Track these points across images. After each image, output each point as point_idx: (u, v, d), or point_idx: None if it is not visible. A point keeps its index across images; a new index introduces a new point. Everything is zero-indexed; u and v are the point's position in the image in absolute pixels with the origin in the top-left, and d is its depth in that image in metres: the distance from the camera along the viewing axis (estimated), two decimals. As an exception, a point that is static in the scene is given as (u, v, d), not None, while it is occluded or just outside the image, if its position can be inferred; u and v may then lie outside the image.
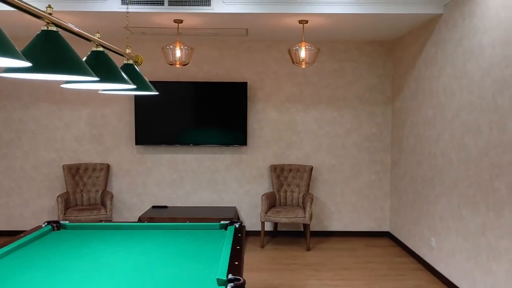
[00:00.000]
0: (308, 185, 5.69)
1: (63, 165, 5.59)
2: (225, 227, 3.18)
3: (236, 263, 2.31)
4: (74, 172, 5.64)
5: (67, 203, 5.41)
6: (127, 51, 2.63)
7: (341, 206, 5.94)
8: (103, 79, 2.09)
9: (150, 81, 5.61)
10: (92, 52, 2.14)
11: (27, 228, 5.77)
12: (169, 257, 2.50)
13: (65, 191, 5.64)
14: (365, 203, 5.94)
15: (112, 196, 5.43)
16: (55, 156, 5.78)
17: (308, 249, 5.32)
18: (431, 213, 4.52)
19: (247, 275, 4.43)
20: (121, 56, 2.68)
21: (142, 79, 2.61)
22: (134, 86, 2.20)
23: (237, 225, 3.13)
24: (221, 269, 2.20)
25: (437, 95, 4.41)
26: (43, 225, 3.12)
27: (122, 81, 2.07)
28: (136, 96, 5.62)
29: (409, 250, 5.16)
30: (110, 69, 2.12)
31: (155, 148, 5.80)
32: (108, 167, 5.73)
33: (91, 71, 1.78)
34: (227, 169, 5.86)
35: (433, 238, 4.46)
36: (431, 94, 4.55)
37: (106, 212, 5.32)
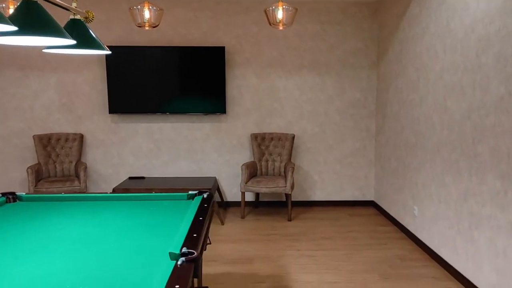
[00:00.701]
0: (290, 154, 5.51)
1: (34, 135, 5.33)
2: (192, 197, 2.99)
3: (195, 235, 2.12)
4: (46, 142, 5.39)
5: (39, 174, 5.19)
6: (73, 5, 2.36)
7: (324, 175, 5.78)
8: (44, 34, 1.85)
9: (123, 46, 5.31)
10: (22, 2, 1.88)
11: None
12: (125, 229, 2.31)
13: (37, 162, 5.41)
14: (349, 172, 5.78)
15: (85, 167, 5.21)
16: (24, 126, 5.51)
17: (290, 219, 5.18)
18: (414, 180, 4.37)
19: (224, 247, 4.29)
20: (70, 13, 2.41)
21: (91, 37, 2.36)
22: (74, 42, 1.95)
23: (205, 195, 2.94)
24: (176, 242, 2.02)
25: (420, 56, 4.19)
26: (-6, 197, 2.91)
27: (57, 34, 1.82)
28: (107, 62, 5.32)
29: (393, 219, 5.04)
30: (45, 22, 1.86)
31: (130, 117, 5.56)
32: (81, 137, 5.49)
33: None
34: (206, 138, 5.64)
35: (416, 207, 4.33)
36: (414, 56, 4.32)
37: (80, 183, 5.12)
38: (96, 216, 2.56)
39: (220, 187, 5.73)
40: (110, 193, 3.06)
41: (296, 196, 5.80)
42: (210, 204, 2.73)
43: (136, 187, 4.96)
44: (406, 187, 4.60)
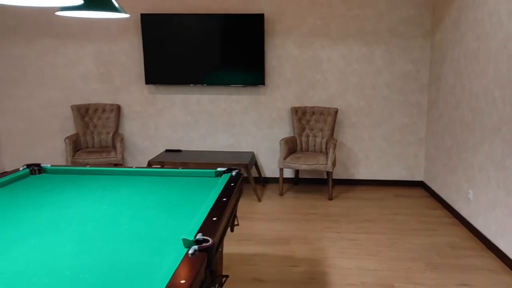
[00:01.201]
0: (333, 129, 5.17)
1: (72, 105, 5.30)
2: (220, 174, 2.78)
3: (214, 219, 1.91)
4: (84, 113, 5.35)
5: (76, 145, 5.17)
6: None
7: (369, 152, 5.42)
8: None
9: (158, 14, 5.10)
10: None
11: (41, 170, 5.62)
12: (143, 209, 2.13)
13: (75, 132, 5.39)
14: (397, 149, 5.38)
15: (122, 139, 5.13)
16: (62, 96, 5.48)
17: (330, 198, 4.90)
18: (470, 162, 3.94)
19: (259, 225, 4.09)
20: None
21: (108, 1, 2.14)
22: (81, 2, 1.73)
23: (233, 173, 2.71)
24: (193, 226, 1.81)
25: (482, 23, 3.69)
26: (21, 168, 2.82)
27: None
28: (143, 31, 5.14)
29: (444, 203, 4.64)
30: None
31: (166, 88, 5.39)
32: (118, 108, 5.40)
33: None
34: (244, 111, 5.40)
35: (471, 190, 3.92)
36: (475, 23, 3.83)
37: (116, 155, 5.05)
38: (116, 192, 2.40)
39: (258, 163, 5.51)
40: (137, 167, 2.90)
41: (338, 174, 5.49)
42: (237, 184, 2.50)
43: (171, 160, 4.83)
44: (460, 168, 4.18)
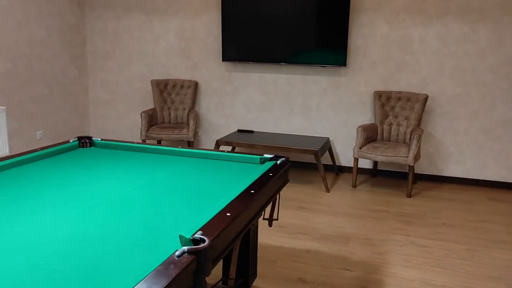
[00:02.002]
0: (420, 118, 4.60)
1: (152, 80, 5.38)
2: (265, 162, 2.53)
3: (228, 214, 1.68)
4: (162, 88, 5.41)
5: (152, 119, 5.25)
6: None
7: (463, 147, 4.75)
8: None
9: (239, -12, 4.91)
10: None
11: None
12: (166, 194, 1.97)
13: (153, 107, 5.49)
14: (497, 146, 4.65)
15: (195, 116, 5.10)
16: (146, 70, 5.59)
17: (409, 196, 4.40)
18: None
19: (320, 218, 3.78)
20: None
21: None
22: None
23: (278, 162, 2.45)
24: (198, 221, 1.60)
25: None
26: (71, 141, 2.85)
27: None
28: (223, 6, 4.99)
29: (548, 213, 3.91)
30: None
31: (243, 65, 5.22)
32: (196, 84, 5.37)
33: None
34: (322, 93, 5.04)
35: None
36: None
37: (188, 132, 5.04)
38: (150, 173, 2.28)
39: (333, 150, 5.14)
40: (201, 149, 2.76)
41: (424, 169, 4.92)
42: (277, 174, 2.24)
43: (239, 141, 4.68)
44: None
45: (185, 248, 1.39)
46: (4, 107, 4.52)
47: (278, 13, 4.84)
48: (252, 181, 2.08)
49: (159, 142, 5.55)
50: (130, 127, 5.82)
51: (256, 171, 2.28)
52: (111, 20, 5.58)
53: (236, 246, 1.94)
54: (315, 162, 5.20)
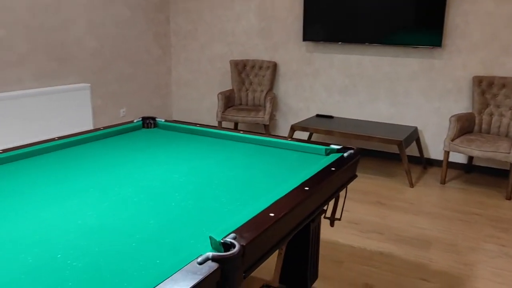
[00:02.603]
0: (529, 109, 3.96)
1: (230, 60, 5.26)
2: (330, 153, 2.25)
3: (272, 215, 1.45)
4: (241, 68, 5.27)
5: (229, 101, 5.15)
6: None
7: None
8: None
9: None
10: None
11: (203, 122, 5.85)
12: (212, 184, 1.80)
13: (230, 88, 5.37)
14: None
15: (272, 98, 4.89)
16: (227, 50, 5.48)
17: (509, 198, 3.82)
18: None
19: (400, 217, 3.40)
20: None
21: None
22: None
23: (345, 154, 2.16)
24: (235, 221, 1.40)
25: None
26: (135, 121, 2.79)
27: None
28: (307, -18, 4.68)
29: None
30: None
31: (325, 46, 4.88)
32: (275, 65, 5.15)
33: None
34: (412, 77, 4.55)
35: None
36: None
37: (264, 115, 4.86)
38: (203, 159, 2.12)
39: (422, 141, 4.64)
40: (263, 135, 2.56)
41: (530, 168, 4.25)
42: (341, 168, 1.96)
43: (317, 126, 4.39)
44: None
45: (210, 254, 1.19)
46: (89, 85, 4.68)
47: (366, -12, 4.42)
48: (310, 176, 1.84)
49: (235, 125, 5.45)
50: (210, 108, 5.78)
51: (317, 164, 2.02)
52: (194, 0, 5.54)
53: (281, 250, 1.71)
54: (399, 153, 4.75)
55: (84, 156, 2.13)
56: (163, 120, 2.80)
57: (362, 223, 3.29)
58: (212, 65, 5.62)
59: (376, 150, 4.90)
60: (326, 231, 3.14)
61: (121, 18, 5.07)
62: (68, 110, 4.46)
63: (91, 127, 4.72)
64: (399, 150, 4.00)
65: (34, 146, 2.17)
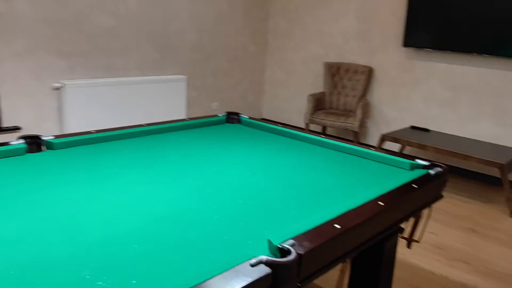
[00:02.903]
0: None
1: (324, 62, 5.14)
2: (416, 168, 2.07)
3: (337, 226, 1.36)
4: (334, 71, 5.13)
5: (319, 103, 5.03)
6: None
7: None
8: None
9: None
10: None
11: (291, 123, 5.81)
12: (282, 186, 1.74)
13: (322, 91, 5.25)
14: None
15: (364, 105, 4.70)
16: (322, 51, 5.38)
17: None
18: None
19: (495, 249, 3.06)
20: None
21: None
22: None
23: (432, 172, 1.97)
24: (296, 227, 1.33)
25: None
26: (219, 115, 2.82)
27: None
28: (415, -15, 4.41)
29: None
30: None
31: (428, 53, 4.56)
32: (370, 70, 4.94)
33: None
34: (526, 95, 4.08)
35: None
36: None
37: (354, 122, 4.67)
38: (276, 159, 2.07)
39: (531, 166, 4.14)
40: (344, 142, 2.45)
41: None
42: (425, 186, 1.79)
43: (410, 138, 4.12)
44: None
45: (264, 257, 1.14)
46: (186, 77, 4.87)
47: (481, -6, 4.04)
48: (387, 190, 1.70)
49: (323, 129, 5.33)
50: (299, 109, 5.72)
51: (398, 178, 1.87)
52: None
53: (344, 267, 1.59)
54: (500, 177, 4.29)
55: (165, 144, 2.20)
56: (246, 117, 2.80)
57: (448, 249, 3.01)
58: (305, 66, 5.55)
59: (475, 172, 4.48)
60: (406, 252, 2.92)
61: (221, 13, 5.20)
62: (164, 99, 4.68)
63: (184, 117, 4.91)
64: (500, 174, 3.61)
65: (125, 130, 2.28)
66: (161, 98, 4.65)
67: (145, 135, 2.35)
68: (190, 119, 2.67)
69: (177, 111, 4.84)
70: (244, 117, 2.79)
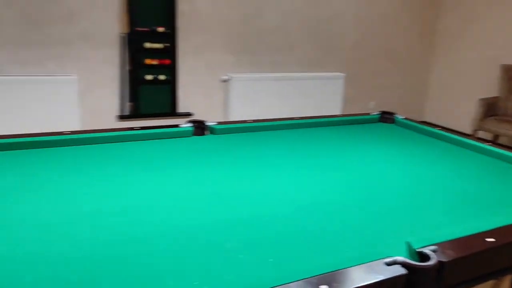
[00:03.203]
0: None
1: (501, 64, 4.60)
2: None
3: (490, 240, 1.24)
4: (513, 75, 4.56)
5: (491, 109, 4.53)
6: None
7: None
8: None
9: None
10: None
11: (456, 128, 5.35)
12: (437, 189, 1.65)
13: (495, 96, 4.71)
14: None
15: (548, 114, 4.08)
16: (498, 52, 4.81)
17: None
18: None
19: None
20: None
21: None
22: None
23: None
24: (440, 233, 1.25)
25: None
26: (371, 113, 2.76)
27: None
28: None
29: None
30: None
31: None
32: (560, 75, 4.26)
33: None
34: None
35: None
36: None
37: None
38: (426, 163, 1.96)
39: None
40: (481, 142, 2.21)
41: None
42: None
43: None
44: None
45: (399, 258, 1.11)
46: (344, 74, 4.87)
47: None
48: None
49: (495, 137, 4.79)
50: (466, 114, 5.24)
51: None
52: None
53: (496, 285, 1.42)
54: None
55: (316, 138, 2.25)
56: (401, 117, 2.69)
57: None
58: (477, 68, 5.04)
59: None
60: None
61: (386, 14, 5.04)
62: (322, 95, 4.76)
63: (338, 111, 4.93)
64: None
65: (279, 121, 2.41)
66: (319, 94, 4.73)
67: (298, 128, 2.44)
68: (344, 115, 2.68)
69: (333, 108, 4.88)
70: (398, 117, 2.70)
